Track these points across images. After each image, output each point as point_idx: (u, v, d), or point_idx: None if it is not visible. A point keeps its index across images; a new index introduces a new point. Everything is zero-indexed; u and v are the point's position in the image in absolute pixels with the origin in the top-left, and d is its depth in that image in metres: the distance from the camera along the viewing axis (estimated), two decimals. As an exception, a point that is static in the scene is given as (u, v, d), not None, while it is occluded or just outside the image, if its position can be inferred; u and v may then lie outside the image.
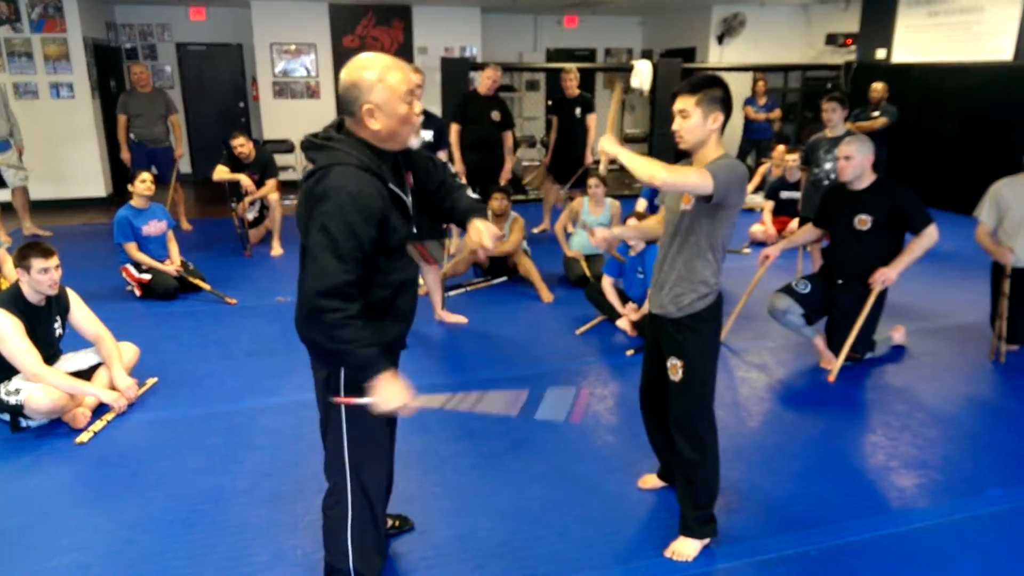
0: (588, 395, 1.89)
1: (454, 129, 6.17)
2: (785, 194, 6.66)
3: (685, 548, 2.43)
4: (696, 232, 2.29)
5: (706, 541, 2.46)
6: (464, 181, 6.32)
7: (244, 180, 6.38)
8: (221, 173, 6.41)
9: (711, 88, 2.21)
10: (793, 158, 6.48)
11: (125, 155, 7.34)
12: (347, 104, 1.83)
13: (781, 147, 7.68)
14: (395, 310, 2.00)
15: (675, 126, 2.27)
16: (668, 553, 2.43)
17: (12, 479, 2.95)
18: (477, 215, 2.05)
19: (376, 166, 1.82)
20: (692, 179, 2.13)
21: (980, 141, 7.86)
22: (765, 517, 2.66)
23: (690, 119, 2.22)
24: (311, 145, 1.87)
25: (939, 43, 8.43)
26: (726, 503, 2.66)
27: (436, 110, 7.83)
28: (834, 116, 5.02)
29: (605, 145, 2.24)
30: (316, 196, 1.78)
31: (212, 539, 2.53)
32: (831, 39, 10.57)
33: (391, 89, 1.80)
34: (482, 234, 1.99)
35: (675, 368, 2.37)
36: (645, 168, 2.13)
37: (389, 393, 1.83)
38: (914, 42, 8.75)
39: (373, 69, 1.80)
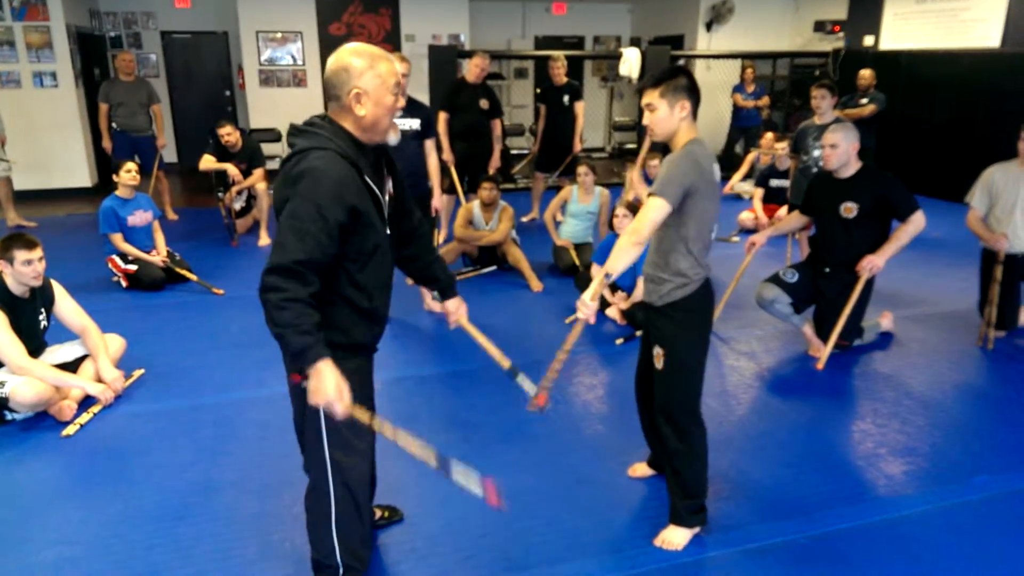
0: (494, 484, 1.93)
1: (442, 118, 6.13)
2: (775, 182, 6.67)
3: (675, 537, 2.43)
4: (666, 226, 2.29)
5: (696, 530, 2.46)
6: (453, 170, 6.20)
7: (231, 169, 6.33)
8: (208, 163, 6.36)
9: (673, 78, 2.25)
10: (782, 146, 6.49)
11: (106, 144, 7.27)
12: (334, 89, 1.84)
13: (770, 135, 7.69)
14: (374, 312, 1.99)
15: (644, 120, 2.33)
16: (658, 542, 2.44)
17: (-3, 473, 2.93)
18: (453, 293, 2.27)
19: (355, 155, 1.83)
20: (651, 216, 2.20)
21: (968, 128, 7.89)
22: (754, 505, 2.67)
23: (657, 111, 2.26)
24: (294, 131, 1.88)
25: (927, 30, 8.44)
26: (715, 491, 2.67)
27: (424, 98, 7.77)
28: (823, 103, 5.01)
29: (585, 298, 2.20)
30: (292, 178, 1.78)
31: (200, 531, 2.52)
32: (819, 26, 10.59)
33: (380, 77, 1.84)
34: (460, 313, 2.25)
35: (658, 357, 2.38)
36: (622, 259, 2.22)
37: (319, 384, 1.74)
38: (902, 29, 8.76)
39: (364, 56, 1.83)
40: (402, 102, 1.95)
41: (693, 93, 2.25)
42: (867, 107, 7.25)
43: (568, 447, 3.08)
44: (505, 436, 3.17)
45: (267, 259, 1.75)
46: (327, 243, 1.76)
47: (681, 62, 8.96)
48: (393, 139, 2.08)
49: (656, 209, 2.20)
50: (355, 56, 1.83)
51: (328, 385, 1.74)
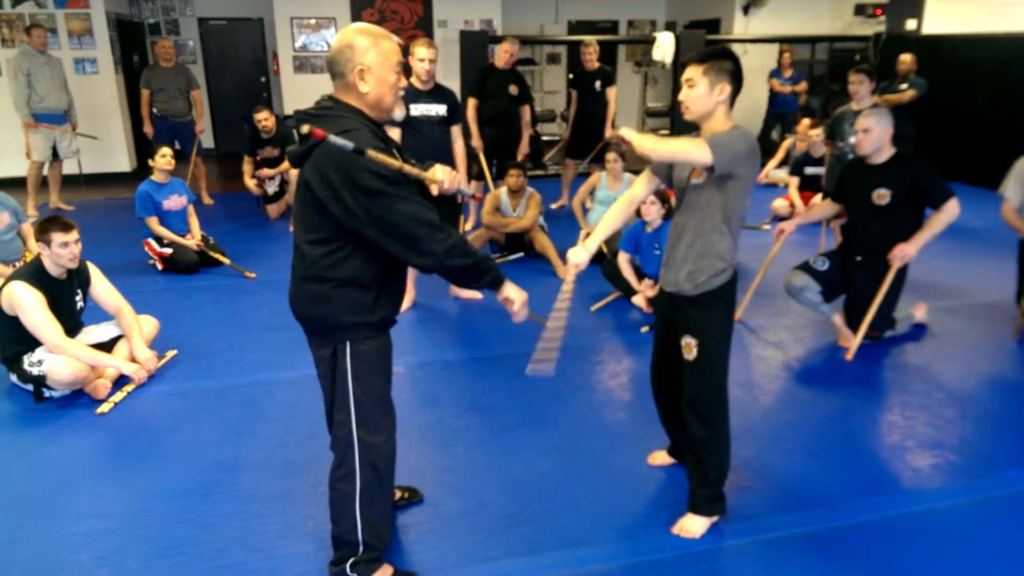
0: None
1: (471, 103, 6.13)
2: (810, 169, 6.55)
3: (693, 525, 2.43)
4: (710, 206, 2.26)
5: (714, 518, 2.45)
6: (482, 156, 6.16)
7: (267, 172, 6.72)
8: (249, 181, 6.78)
9: (720, 59, 2.20)
10: (817, 133, 6.37)
11: (148, 129, 7.43)
12: (337, 66, 1.89)
13: (806, 121, 7.55)
14: (397, 284, 2.04)
15: (681, 95, 2.28)
16: (676, 530, 2.43)
17: (35, 448, 3.03)
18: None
19: (377, 133, 1.89)
20: (685, 147, 2.13)
21: (1012, 115, 7.65)
22: (775, 495, 2.65)
23: (696, 88, 2.22)
24: (308, 116, 1.89)
25: (971, 14, 8.20)
26: (736, 481, 2.66)
27: (455, 84, 7.78)
28: (861, 89, 4.91)
29: (623, 132, 2.25)
30: (342, 164, 1.78)
31: (226, 508, 2.58)
32: (860, 9, 10.31)
33: (384, 55, 1.88)
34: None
35: (689, 347, 2.35)
36: (642, 142, 2.12)
37: (519, 296, 2.06)
38: (945, 13, 8.51)
39: (367, 35, 1.88)
40: (404, 82, 1.98)
41: (736, 79, 2.22)
42: (906, 93, 7.07)
43: (588, 433, 3.09)
44: (525, 421, 3.18)
45: (426, 251, 1.84)
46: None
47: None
48: (398, 114, 2.12)
49: (696, 148, 2.10)
50: (359, 34, 1.87)
51: (521, 296, 2.07)
